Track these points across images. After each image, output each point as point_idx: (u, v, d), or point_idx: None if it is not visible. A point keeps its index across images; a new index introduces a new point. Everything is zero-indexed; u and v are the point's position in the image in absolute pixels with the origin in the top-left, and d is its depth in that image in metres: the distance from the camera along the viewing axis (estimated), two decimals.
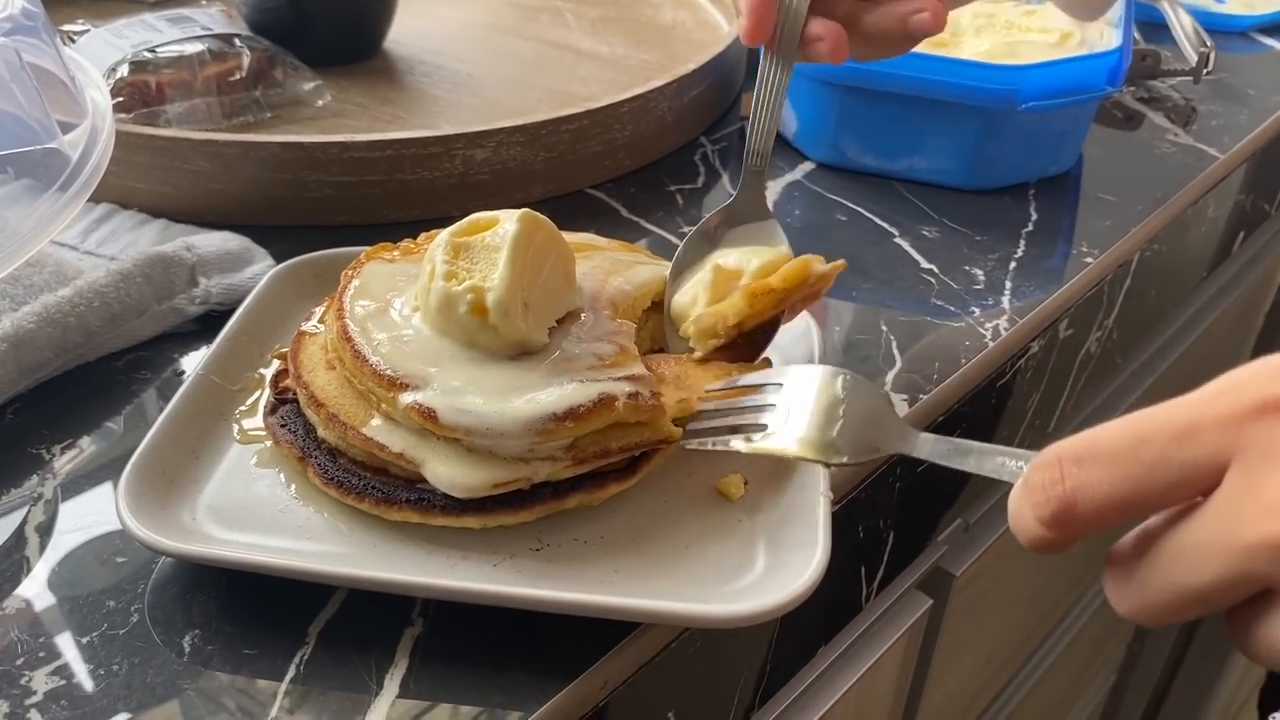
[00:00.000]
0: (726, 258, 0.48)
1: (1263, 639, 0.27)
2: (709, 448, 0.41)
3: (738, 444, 0.40)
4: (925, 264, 0.61)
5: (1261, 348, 1.19)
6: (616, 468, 0.41)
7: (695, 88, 0.71)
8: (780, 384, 0.41)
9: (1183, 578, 0.27)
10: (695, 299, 0.46)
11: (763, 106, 0.49)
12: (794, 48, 0.48)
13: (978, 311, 0.58)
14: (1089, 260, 0.63)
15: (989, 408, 0.58)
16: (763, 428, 0.40)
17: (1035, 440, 0.67)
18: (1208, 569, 0.26)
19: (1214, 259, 0.88)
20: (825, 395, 0.39)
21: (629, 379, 0.40)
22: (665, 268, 0.49)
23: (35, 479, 0.44)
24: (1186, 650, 1.44)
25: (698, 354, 0.45)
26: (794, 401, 0.40)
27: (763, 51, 0.49)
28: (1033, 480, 0.29)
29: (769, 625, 0.47)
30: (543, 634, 0.38)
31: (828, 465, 0.39)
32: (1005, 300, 0.59)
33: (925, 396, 0.51)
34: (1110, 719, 1.44)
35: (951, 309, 0.58)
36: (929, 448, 0.37)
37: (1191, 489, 0.27)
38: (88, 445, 0.46)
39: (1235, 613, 0.27)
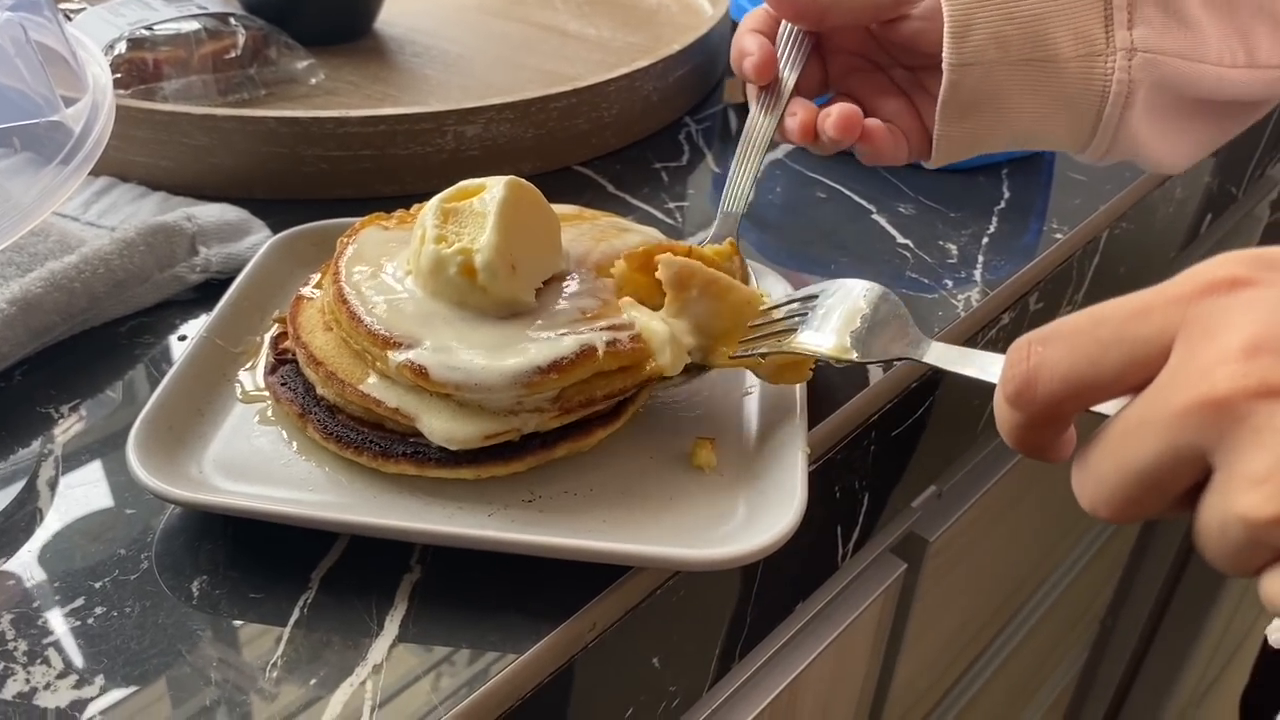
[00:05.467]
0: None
1: (1202, 529, 0.26)
2: (749, 355, 0.44)
3: (765, 347, 0.44)
4: (901, 239, 0.64)
5: None
6: (602, 414, 0.43)
7: (680, 69, 0.73)
8: (816, 295, 0.45)
9: (1125, 457, 0.27)
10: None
11: (747, 154, 0.52)
12: (782, 102, 0.51)
13: (950, 284, 0.60)
14: (1059, 236, 0.65)
15: (961, 376, 0.60)
16: (792, 332, 0.44)
17: None
18: (1146, 444, 0.27)
19: (1183, 240, 0.91)
20: (851, 304, 0.44)
21: (609, 328, 0.42)
22: (651, 236, 0.51)
23: (43, 437, 0.46)
24: (1159, 626, 1.47)
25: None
26: (824, 310, 0.44)
27: (752, 102, 0.52)
28: (1005, 363, 0.30)
29: (748, 577, 0.49)
30: (535, 580, 0.40)
31: (838, 362, 0.43)
32: (977, 274, 0.61)
33: (899, 364, 0.53)
34: (1084, 694, 1.48)
35: (925, 282, 0.60)
36: (936, 355, 0.40)
37: (1144, 368, 0.27)
38: (94, 406, 0.48)
39: (1195, 513, 0.27)
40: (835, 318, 0.44)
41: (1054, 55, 0.46)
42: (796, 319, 0.45)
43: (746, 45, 0.50)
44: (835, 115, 0.48)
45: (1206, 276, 0.27)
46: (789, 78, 0.51)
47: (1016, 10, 0.46)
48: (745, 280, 0.49)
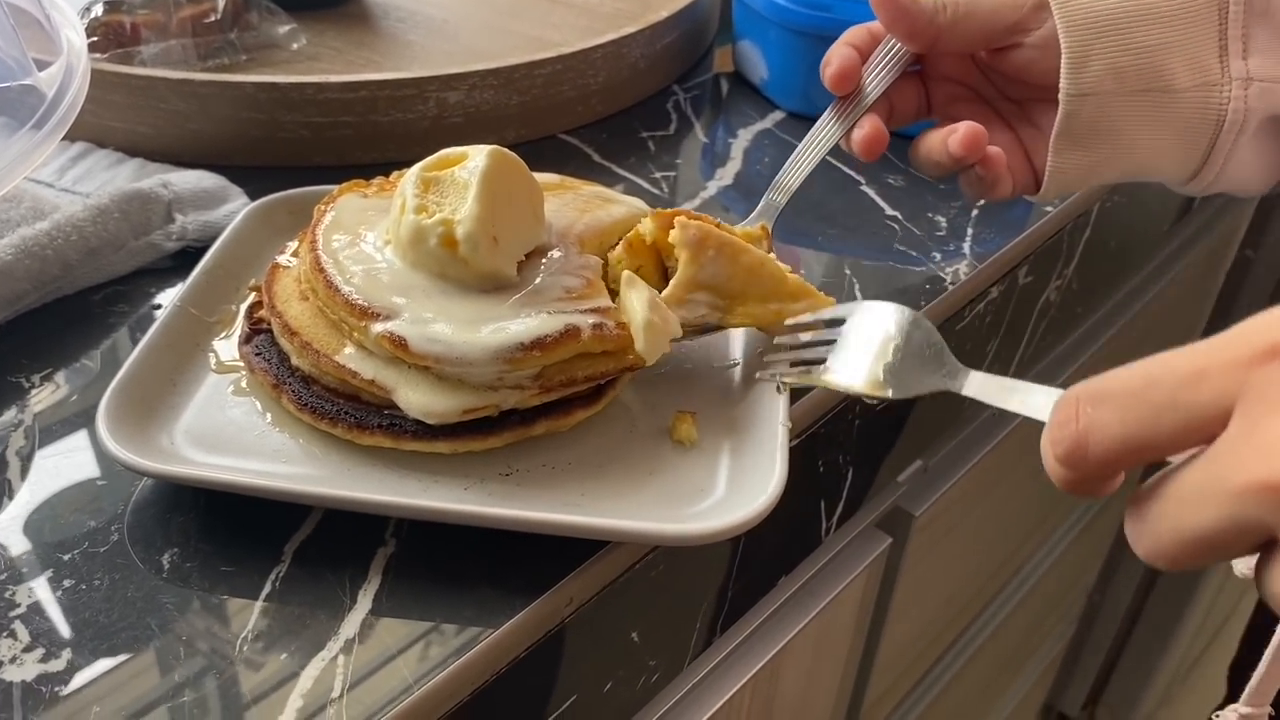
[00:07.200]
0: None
1: (1267, 587, 0.26)
2: (771, 380, 0.44)
3: (790, 378, 0.43)
4: (890, 211, 0.63)
5: (1221, 307, 1.22)
6: (582, 395, 0.42)
7: (667, 35, 0.71)
8: (843, 319, 0.43)
9: (1185, 522, 0.27)
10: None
11: (807, 152, 0.51)
12: (857, 115, 0.50)
13: (939, 257, 0.59)
14: (1049, 209, 0.64)
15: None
16: (820, 362, 0.42)
17: None
18: (1207, 513, 0.26)
19: (1175, 214, 0.90)
20: (882, 333, 0.42)
21: (594, 310, 0.42)
22: (636, 207, 0.50)
23: (15, 407, 0.45)
24: (1146, 600, 1.47)
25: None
26: (853, 338, 0.42)
27: (831, 105, 0.51)
28: (1052, 419, 0.30)
29: (729, 551, 0.49)
30: (511, 554, 0.40)
31: (873, 400, 0.40)
32: (966, 246, 0.60)
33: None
34: (1070, 668, 1.48)
35: (914, 254, 0.59)
36: (977, 387, 0.38)
37: (1200, 434, 0.27)
38: (66, 375, 0.47)
39: (1261, 558, 0.27)
40: (865, 347, 0.42)
41: (1170, 86, 0.46)
42: (822, 346, 0.43)
43: (831, 55, 0.50)
44: (962, 131, 0.47)
45: (1265, 341, 0.26)
46: (871, 92, 0.50)
47: (1133, 41, 0.45)
48: None
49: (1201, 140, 0.47)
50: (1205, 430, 0.27)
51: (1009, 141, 0.51)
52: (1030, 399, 0.35)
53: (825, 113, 0.51)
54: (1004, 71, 0.50)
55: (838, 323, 0.44)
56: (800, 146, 0.52)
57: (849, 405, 0.52)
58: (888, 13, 0.48)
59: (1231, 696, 0.85)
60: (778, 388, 0.44)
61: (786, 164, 0.52)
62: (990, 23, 0.48)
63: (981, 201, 0.62)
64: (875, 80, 0.50)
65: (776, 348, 0.45)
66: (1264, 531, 0.26)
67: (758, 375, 0.44)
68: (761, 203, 0.52)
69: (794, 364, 0.44)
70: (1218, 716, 0.30)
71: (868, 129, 0.49)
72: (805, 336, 0.44)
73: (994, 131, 0.50)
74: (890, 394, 0.40)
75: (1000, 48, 0.49)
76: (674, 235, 0.44)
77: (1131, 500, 0.29)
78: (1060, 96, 0.46)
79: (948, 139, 0.47)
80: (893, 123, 0.52)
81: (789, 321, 0.45)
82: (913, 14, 0.47)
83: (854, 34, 0.51)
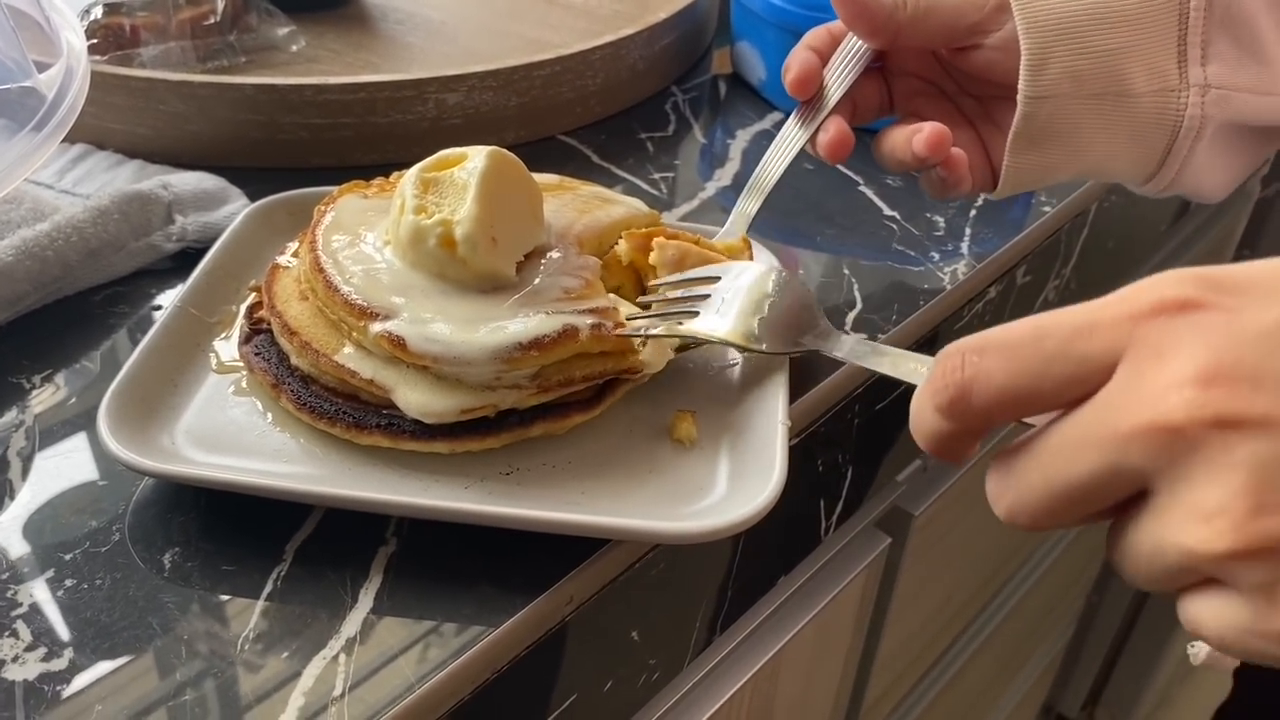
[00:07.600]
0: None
1: (1130, 547, 0.27)
2: (640, 334, 0.43)
3: (662, 328, 0.42)
4: (888, 211, 0.63)
5: None
6: (581, 398, 0.42)
7: (666, 36, 0.72)
8: (718, 277, 0.44)
9: (1058, 471, 0.27)
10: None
11: (774, 159, 0.52)
12: (821, 117, 0.50)
13: (937, 257, 0.59)
14: (1047, 209, 0.65)
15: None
16: (693, 315, 0.43)
17: None
18: (1084, 461, 0.26)
19: (1173, 215, 0.90)
20: (756, 289, 0.43)
21: (593, 311, 0.42)
22: (635, 207, 0.50)
23: (16, 408, 0.45)
24: (1145, 600, 1.47)
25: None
26: (728, 293, 0.43)
27: (795, 109, 0.51)
28: (935, 371, 0.29)
29: (729, 550, 0.49)
30: (512, 553, 0.40)
31: (743, 350, 0.41)
32: (964, 246, 0.60)
33: (883, 337, 0.53)
34: (1069, 670, 1.48)
35: (912, 254, 0.59)
36: (847, 348, 0.39)
37: (1085, 385, 0.27)
38: (67, 376, 0.47)
39: (1115, 523, 0.27)
40: (739, 302, 0.42)
41: (1127, 90, 0.46)
42: (695, 300, 0.43)
43: (791, 61, 0.50)
44: (927, 132, 0.47)
45: (1155, 295, 0.26)
46: (833, 95, 0.50)
47: (1092, 45, 0.45)
48: None
49: (1158, 145, 0.47)
50: (1091, 382, 0.27)
51: (968, 138, 0.51)
52: (902, 363, 0.36)
53: (790, 117, 0.51)
54: (965, 70, 0.50)
55: (712, 280, 0.44)
56: (768, 153, 0.52)
57: (849, 404, 0.52)
58: (847, 10, 0.48)
59: (1237, 695, 0.85)
60: (642, 342, 0.43)
61: (755, 171, 0.52)
62: (951, 21, 0.48)
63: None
64: (837, 81, 0.50)
65: (644, 304, 0.44)
66: (1139, 481, 0.26)
67: (616, 333, 0.42)
68: (733, 213, 0.52)
69: (663, 316, 0.43)
70: (1193, 646, 0.30)
71: (832, 133, 0.49)
72: (676, 293, 0.44)
73: (954, 128, 0.50)
74: (764, 348, 0.41)
75: (962, 48, 0.49)
76: (654, 256, 0.44)
77: (998, 457, 0.29)
78: (1019, 98, 0.46)
79: (913, 138, 0.47)
80: (856, 120, 0.52)
81: (656, 282, 0.45)
82: (872, 10, 0.47)
83: (813, 36, 0.51)
